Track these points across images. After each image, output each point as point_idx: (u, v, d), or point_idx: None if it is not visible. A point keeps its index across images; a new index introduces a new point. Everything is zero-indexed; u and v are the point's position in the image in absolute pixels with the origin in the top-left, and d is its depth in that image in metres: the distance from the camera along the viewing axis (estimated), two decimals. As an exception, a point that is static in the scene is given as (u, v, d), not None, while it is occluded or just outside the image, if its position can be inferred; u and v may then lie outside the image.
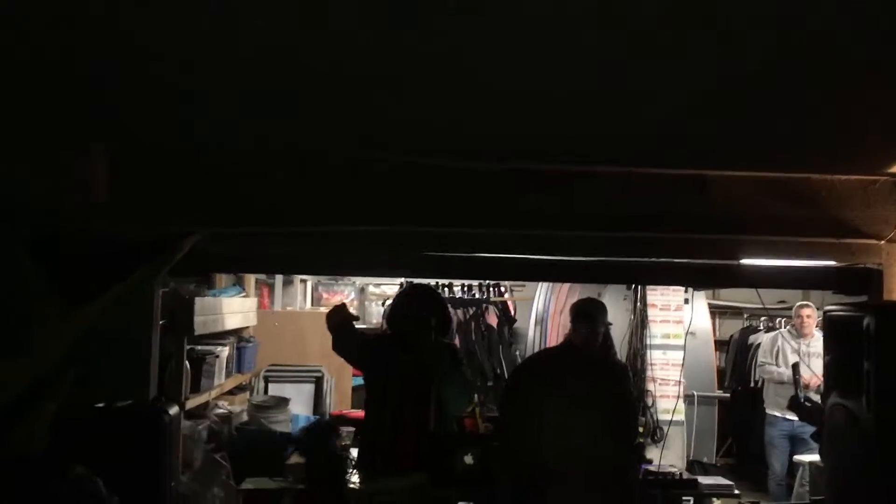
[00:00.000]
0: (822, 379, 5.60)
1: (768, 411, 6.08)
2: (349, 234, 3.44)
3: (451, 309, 4.92)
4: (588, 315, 3.97)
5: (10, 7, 1.65)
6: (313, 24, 1.76)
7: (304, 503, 3.34)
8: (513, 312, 7.28)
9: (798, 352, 6.00)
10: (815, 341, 5.87)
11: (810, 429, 5.68)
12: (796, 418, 5.75)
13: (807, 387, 5.76)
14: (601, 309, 4.25)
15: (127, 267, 3.05)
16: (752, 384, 6.89)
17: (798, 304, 6.05)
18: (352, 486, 3.34)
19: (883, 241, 3.44)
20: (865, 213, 3.45)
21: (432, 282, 6.30)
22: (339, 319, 3.72)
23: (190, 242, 3.22)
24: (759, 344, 6.67)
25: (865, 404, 2.15)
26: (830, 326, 2.51)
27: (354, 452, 3.92)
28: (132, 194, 3.24)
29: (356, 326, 3.80)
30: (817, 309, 7.16)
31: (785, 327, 6.58)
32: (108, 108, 2.63)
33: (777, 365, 6.11)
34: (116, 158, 3.21)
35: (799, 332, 6.03)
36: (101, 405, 2.64)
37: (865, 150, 3.06)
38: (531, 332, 7.05)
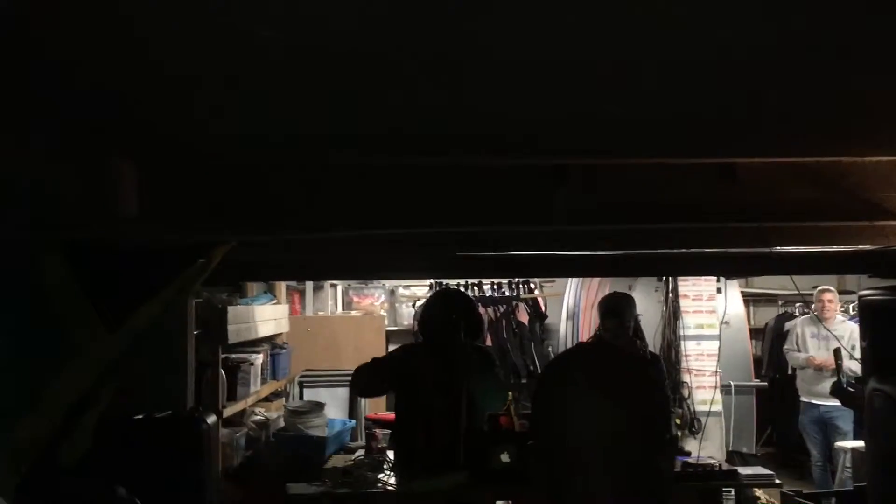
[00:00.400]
0: (841, 360, 5.60)
1: (801, 398, 6.04)
2: (377, 237, 3.46)
3: (481, 308, 4.93)
4: (615, 310, 3.95)
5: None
6: (340, 18, 1.76)
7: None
8: (543, 308, 7.26)
9: (817, 336, 5.96)
10: (837, 324, 5.82)
11: (839, 413, 5.66)
12: (824, 403, 5.74)
13: (820, 368, 5.75)
14: (629, 302, 4.23)
15: (157, 276, 3.11)
16: (789, 371, 6.82)
17: (819, 288, 5.98)
18: (389, 488, 3.36)
19: (918, 222, 3.39)
20: (899, 194, 3.39)
21: (462, 282, 6.31)
22: (364, 382, 3.74)
23: (224, 250, 3.27)
24: (793, 331, 6.63)
25: (905, 389, 2.11)
26: (866, 311, 2.47)
27: (390, 454, 3.94)
28: (161, 202, 3.28)
29: (378, 365, 3.79)
30: (853, 293, 7.08)
31: (808, 313, 6.52)
32: (137, 114, 2.66)
33: (798, 350, 6.07)
34: (145, 165, 3.26)
35: (820, 317, 5.98)
36: (140, 416, 2.68)
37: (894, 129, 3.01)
38: (563, 327, 7.03)
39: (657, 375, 4.11)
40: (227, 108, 2.51)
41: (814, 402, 5.92)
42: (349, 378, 5.93)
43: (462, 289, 6.25)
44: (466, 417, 3.49)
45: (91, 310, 2.78)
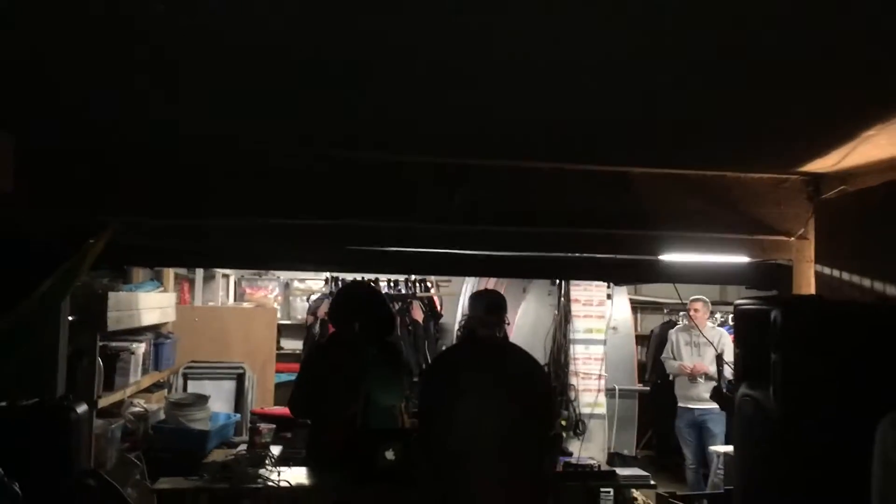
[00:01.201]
0: (709, 367, 5.88)
1: (678, 403, 6.28)
2: (276, 227, 3.39)
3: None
4: (499, 306, 3.98)
5: None
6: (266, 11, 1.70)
7: (221, 502, 3.27)
8: (439, 308, 7.28)
9: (690, 343, 6.22)
10: (707, 331, 6.09)
11: (711, 416, 5.94)
12: (697, 406, 5.99)
13: (692, 372, 6.03)
14: (504, 302, 4.28)
15: (40, 261, 2.94)
16: (670, 378, 7.08)
17: (692, 298, 6.23)
18: (270, 483, 3.28)
19: (793, 238, 3.57)
20: (777, 210, 3.57)
21: (358, 277, 6.26)
22: (300, 405, 3.69)
23: (109, 233, 3.12)
24: (673, 338, 6.89)
25: (772, 395, 2.21)
26: (740, 320, 2.57)
27: (275, 450, 3.86)
28: (40, 184, 3.12)
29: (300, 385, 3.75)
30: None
31: (682, 321, 6.79)
32: (13, 96, 2.51)
33: (673, 358, 6.32)
34: (22, 147, 3.08)
35: (691, 325, 6.24)
36: (3, 403, 2.52)
37: (777, 150, 3.16)
38: (457, 326, 7.06)
39: (539, 371, 4.16)
40: (113, 102, 2.40)
41: (689, 406, 6.17)
42: (237, 371, 5.83)
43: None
44: (363, 413, 3.45)
45: None
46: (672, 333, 6.52)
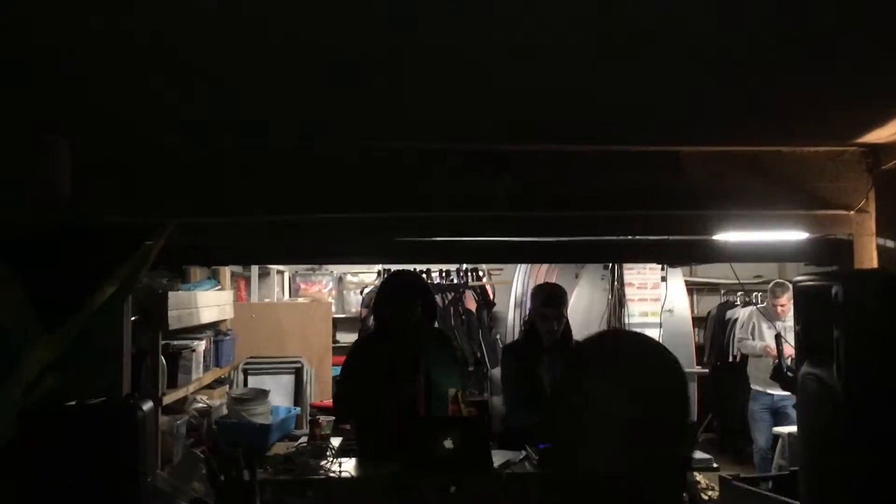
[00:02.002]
0: (782, 346, 5.70)
1: (752, 386, 6.13)
2: (324, 221, 3.42)
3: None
4: (559, 299, 3.97)
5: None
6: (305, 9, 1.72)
7: (285, 494, 3.33)
8: (491, 296, 7.28)
9: (773, 327, 6.05)
10: (790, 316, 5.90)
11: (791, 401, 5.77)
12: (777, 392, 5.84)
13: (790, 358, 5.83)
14: (564, 294, 4.25)
15: (98, 264, 3.03)
16: (730, 359, 6.95)
17: (774, 283, 6.03)
18: (332, 475, 3.33)
19: (852, 212, 3.47)
20: (834, 184, 3.47)
21: (410, 268, 6.29)
22: (342, 407, 3.72)
23: (166, 234, 3.20)
24: (737, 319, 6.72)
25: (835, 372, 2.16)
26: (800, 296, 2.52)
27: (335, 441, 3.91)
28: (96, 189, 3.20)
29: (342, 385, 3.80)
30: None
31: (761, 303, 6.60)
32: (73, 98, 2.58)
33: (752, 339, 6.15)
34: (81, 149, 3.17)
35: (773, 316, 6.05)
36: (72, 403, 2.60)
37: (832, 121, 3.07)
38: (510, 315, 7.06)
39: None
40: (173, 89, 2.45)
41: (768, 391, 5.99)
42: (295, 365, 5.92)
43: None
44: (425, 398, 3.47)
45: (28, 307, 2.70)
46: (750, 314, 6.27)
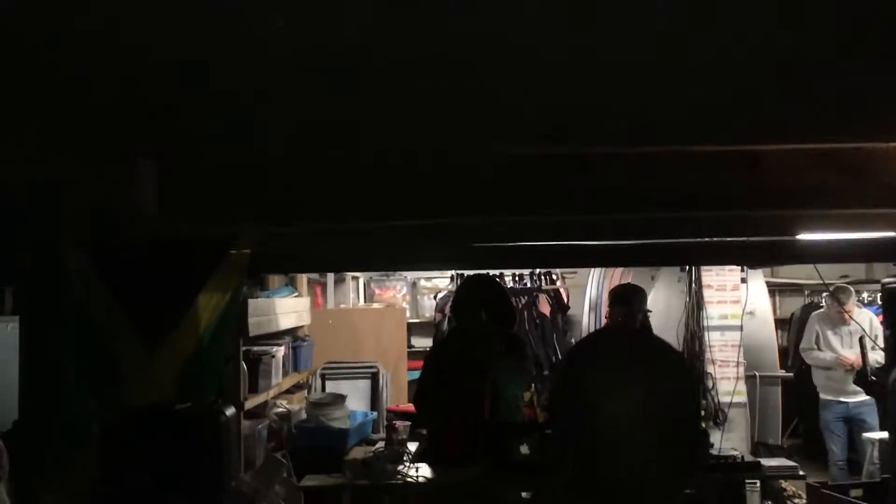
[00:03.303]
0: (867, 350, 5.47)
1: (822, 395, 5.92)
2: (397, 228, 3.45)
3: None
4: (625, 298, 3.92)
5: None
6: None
7: (363, 498, 3.38)
8: (566, 300, 7.22)
9: (840, 333, 5.81)
10: (855, 315, 5.68)
11: (866, 409, 5.54)
12: (851, 399, 5.62)
13: (851, 368, 5.59)
14: (638, 292, 4.18)
15: (189, 278, 3.12)
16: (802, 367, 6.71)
17: (834, 289, 5.80)
18: (409, 479, 3.36)
19: (943, 209, 3.32)
20: (924, 180, 3.33)
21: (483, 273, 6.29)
22: (424, 411, 3.76)
23: (246, 243, 3.28)
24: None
25: (930, 377, 2.07)
26: (889, 299, 2.42)
27: (412, 446, 3.94)
28: (180, 203, 3.30)
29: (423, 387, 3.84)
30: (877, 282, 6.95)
31: (821, 309, 6.36)
32: (157, 114, 2.66)
33: (820, 349, 5.93)
34: (166, 163, 3.27)
35: (837, 323, 5.83)
36: (159, 407, 2.70)
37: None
38: (585, 318, 6.99)
39: (681, 360, 4.06)
40: (240, 101, 2.51)
41: (841, 399, 5.77)
42: (371, 370, 5.99)
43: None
44: (491, 401, 3.47)
45: (130, 331, 2.80)
46: (814, 322, 6.07)
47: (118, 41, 1.82)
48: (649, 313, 4.37)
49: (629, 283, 4.24)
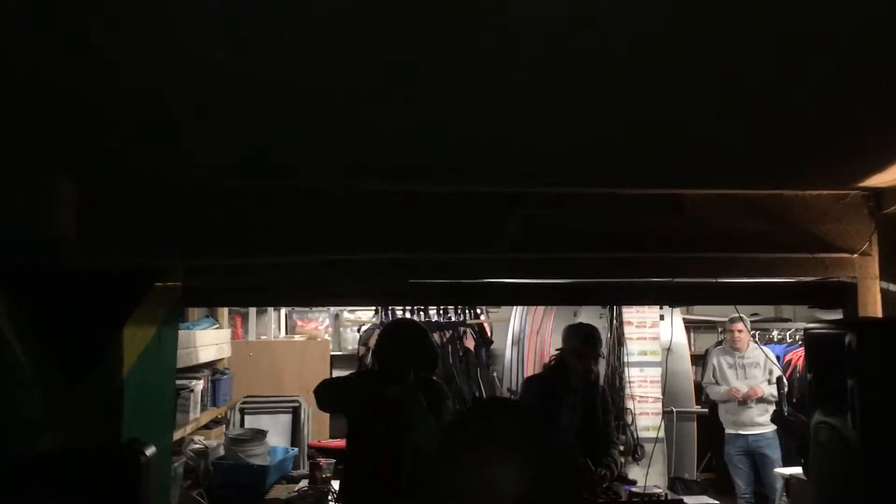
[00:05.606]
0: (763, 391, 5.73)
1: (726, 430, 6.10)
2: (322, 262, 3.41)
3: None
4: (595, 337, 3.94)
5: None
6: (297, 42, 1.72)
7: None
8: (489, 334, 7.25)
9: (734, 366, 6.05)
10: (750, 352, 5.93)
11: (766, 442, 5.76)
12: (751, 432, 5.82)
13: (745, 397, 5.83)
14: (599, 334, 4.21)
15: (106, 304, 2.99)
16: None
17: (729, 318, 6.08)
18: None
19: (855, 255, 3.48)
20: (838, 227, 3.49)
21: (409, 308, 6.26)
22: (328, 395, 3.60)
23: (173, 276, 3.17)
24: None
25: (850, 422, 2.15)
26: (812, 344, 2.52)
27: (335, 484, 3.86)
28: (102, 227, 3.18)
29: (339, 382, 3.73)
30: (789, 320, 7.25)
31: (718, 343, 6.60)
32: (78, 137, 2.57)
33: (717, 383, 6.14)
34: (86, 189, 3.15)
35: (732, 347, 6.08)
36: (72, 449, 2.56)
37: (835, 165, 3.10)
38: (508, 353, 7.03)
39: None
40: (172, 146, 2.44)
41: (741, 432, 5.96)
42: (293, 404, 5.86)
43: (409, 314, 6.20)
44: (411, 455, 3.39)
45: (50, 364, 2.66)
46: (712, 356, 6.30)
47: (37, 72, 1.75)
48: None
49: (591, 324, 4.21)
